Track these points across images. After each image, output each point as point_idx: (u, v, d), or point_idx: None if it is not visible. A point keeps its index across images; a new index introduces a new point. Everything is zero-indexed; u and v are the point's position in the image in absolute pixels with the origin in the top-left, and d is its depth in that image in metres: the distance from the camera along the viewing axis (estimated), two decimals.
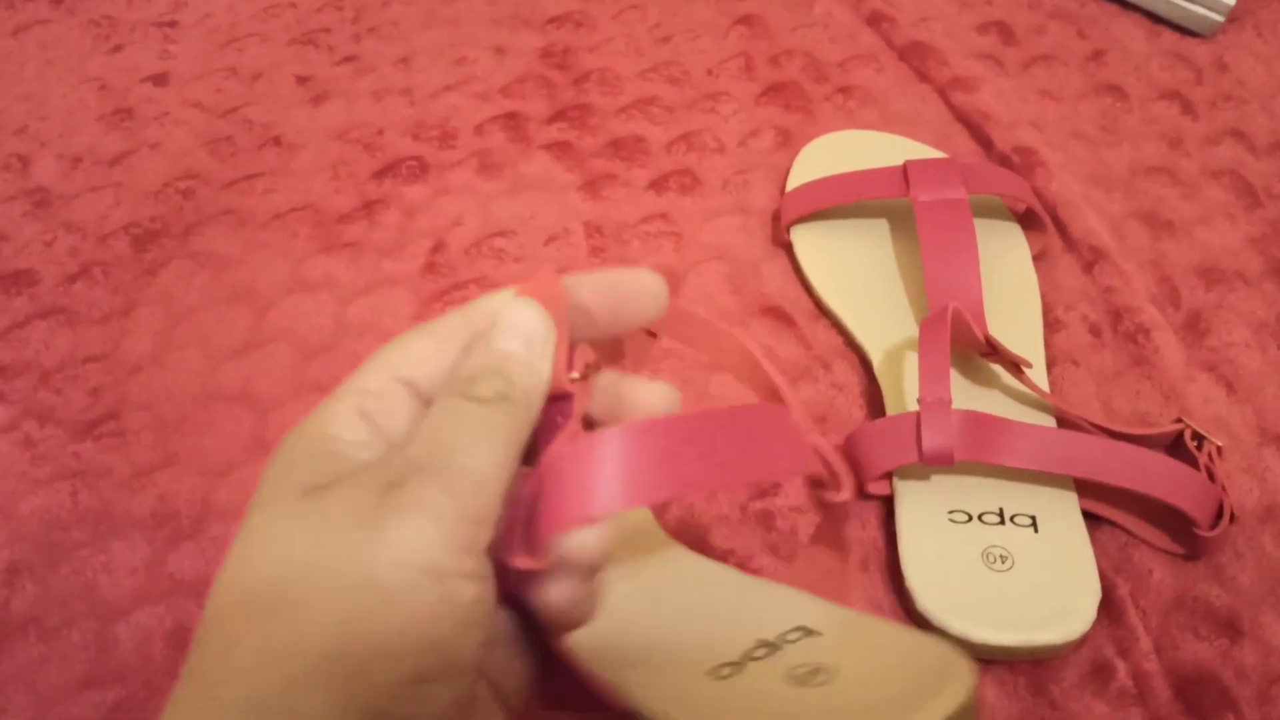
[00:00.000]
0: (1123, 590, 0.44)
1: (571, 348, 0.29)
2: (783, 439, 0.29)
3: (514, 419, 0.26)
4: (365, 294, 0.55)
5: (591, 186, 0.60)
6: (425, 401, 0.27)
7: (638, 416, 0.29)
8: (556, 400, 0.28)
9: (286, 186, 0.61)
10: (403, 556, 0.23)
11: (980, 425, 0.44)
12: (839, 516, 0.34)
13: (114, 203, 0.60)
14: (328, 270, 0.56)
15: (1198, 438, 0.46)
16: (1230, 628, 0.43)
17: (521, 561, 0.26)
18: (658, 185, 0.60)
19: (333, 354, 0.53)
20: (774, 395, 0.33)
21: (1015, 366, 0.47)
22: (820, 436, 0.31)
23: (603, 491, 0.25)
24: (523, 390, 0.27)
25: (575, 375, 0.29)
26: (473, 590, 0.24)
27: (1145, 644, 0.42)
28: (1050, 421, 0.48)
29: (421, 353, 0.28)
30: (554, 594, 0.26)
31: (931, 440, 0.44)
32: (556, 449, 0.27)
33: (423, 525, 0.24)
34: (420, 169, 0.61)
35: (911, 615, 0.43)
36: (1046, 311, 0.53)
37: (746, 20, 0.69)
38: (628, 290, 0.29)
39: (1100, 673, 0.42)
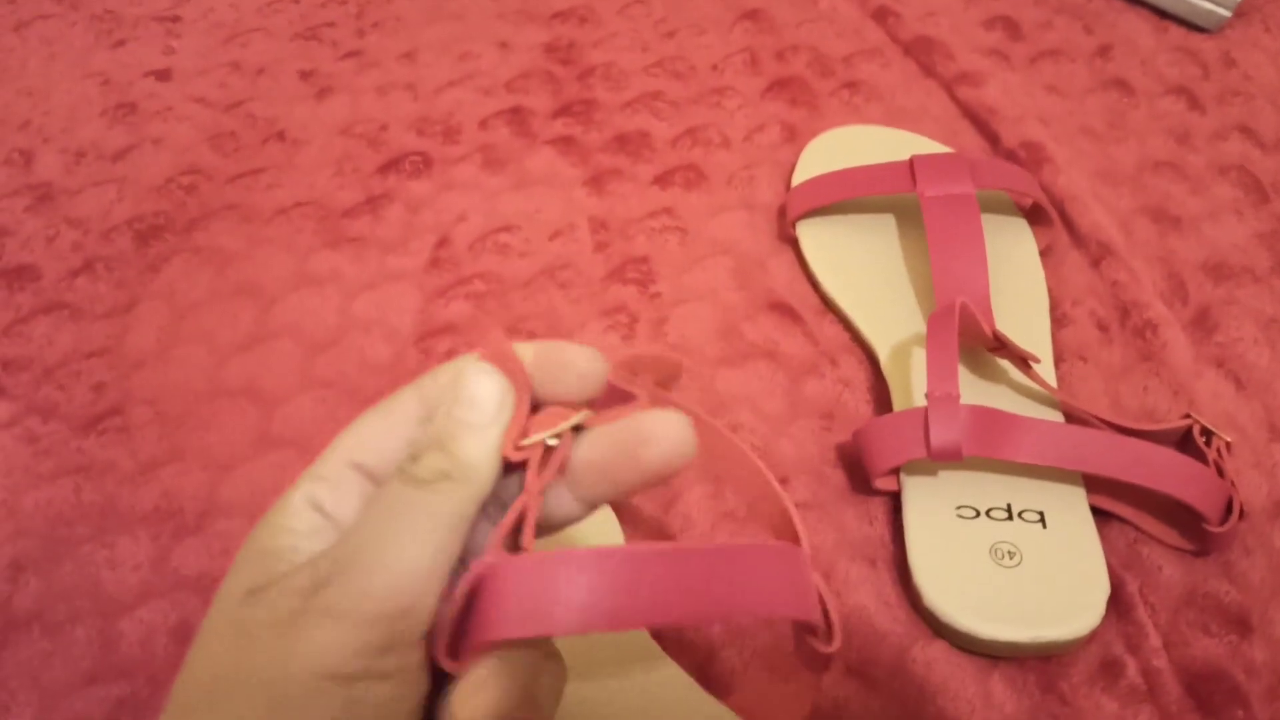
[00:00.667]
0: (1132, 586, 0.44)
1: (535, 408, 0.27)
2: (785, 579, 0.26)
3: (455, 500, 0.25)
4: (370, 289, 0.55)
5: (596, 182, 0.60)
6: (378, 484, 0.27)
7: (650, 453, 0.26)
8: (515, 470, 0.27)
9: (290, 181, 0.61)
10: (309, 663, 0.23)
11: (988, 420, 0.44)
12: (819, 665, 0.33)
13: (117, 198, 0.60)
14: (332, 265, 0.56)
15: (1206, 433, 0.46)
16: (1240, 624, 0.43)
17: (445, 663, 0.25)
18: (663, 180, 0.60)
19: (338, 349, 0.53)
20: (784, 517, 0.33)
21: (1023, 361, 0.47)
22: (820, 579, 0.29)
23: (543, 611, 0.23)
24: (468, 464, 0.26)
25: (545, 437, 0.26)
26: (387, 690, 0.24)
27: (1155, 640, 0.42)
28: (1058, 417, 0.47)
29: (373, 435, 0.27)
30: (463, 709, 0.25)
31: (940, 436, 0.43)
32: (492, 556, 0.25)
33: (332, 631, 0.23)
34: (424, 164, 0.61)
35: (919, 611, 0.43)
36: (1054, 307, 0.53)
37: (752, 15, 0.69)
38: (559, 362, 0.28)
39: (1110, 669, 0.41)
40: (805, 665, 0.34)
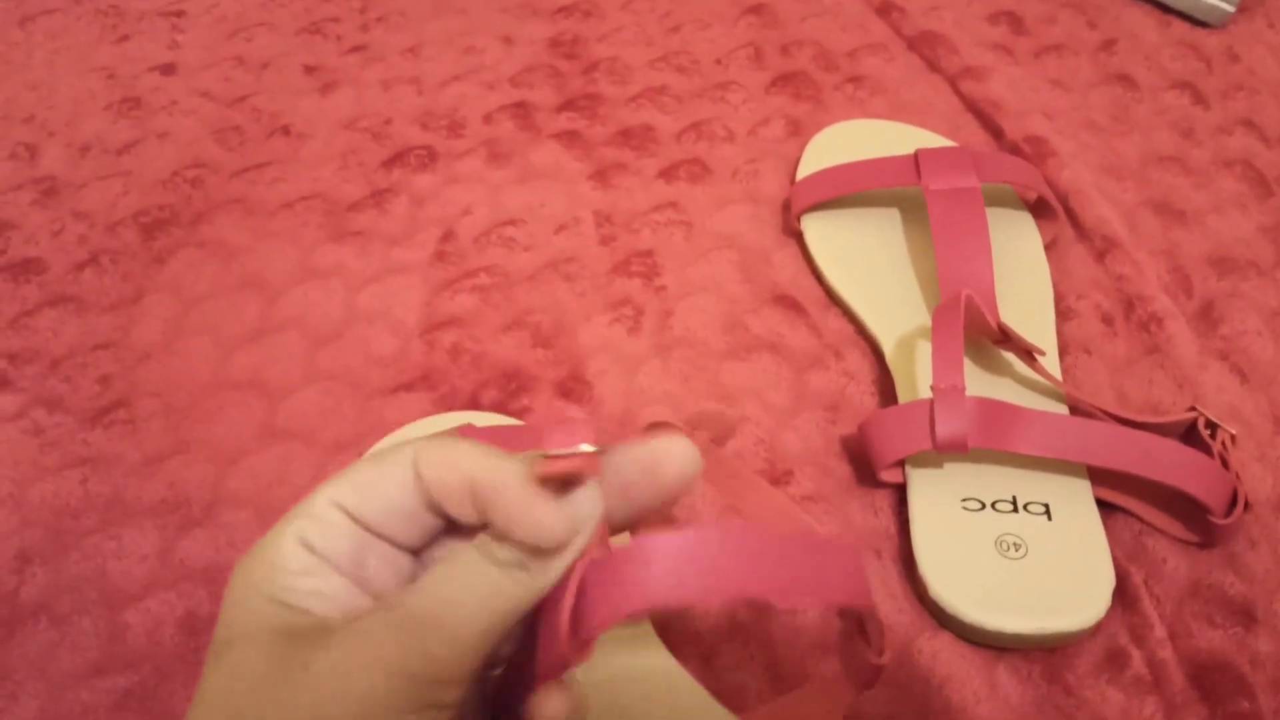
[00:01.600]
0: (1137, 578, 0.44)
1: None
2: (848, 571, 0.28)
3: (525, 589, 0.26)
4: (375, 282, 0.55)
5: (601, 175, 0.60)
6: (363, 527, 0.27)
7: (668, 473, 0.28)
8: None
9: (295, 175, 0.61)
10: (354, 709, 0.24)
11: (994, 412, 0.44)
12: (866, 680, 0.35)
13: (122, 191, 0.60)
14: (337, 259, 0.56)
15: (1211, 426, 0.46)
16: (1245, 615, 0.43)
17: (566, 649, 0.26)
18: (668, 174, 0.60)
19: (342, 342, 0.53)
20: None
21: (1028, 354, 0.47)
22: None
23: (657, 585, 0.25)
24: (543, 573, 0.26)
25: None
26: None
27: (1160, 631, 0.42)
28: (1063, 410, 0.47)
29: (362, 483, 0.27)
30: (550, 708, 0.27)
31: (945, 427, 0.43)
32: (599, 550, 0.27)
33: (383, 682, 0.24)
34: (429, 158, 0.61)
35: (925, 603, 0.43)
36: (1058, 300, 0.53)
37: (756, 9, 0.69)
38: (655, 460, 0.28)
39: (1115, 660, 0.42)
40: (851, 677, 0.36)
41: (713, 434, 0.37)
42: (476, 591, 0.26)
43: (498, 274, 0.55)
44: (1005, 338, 0.47)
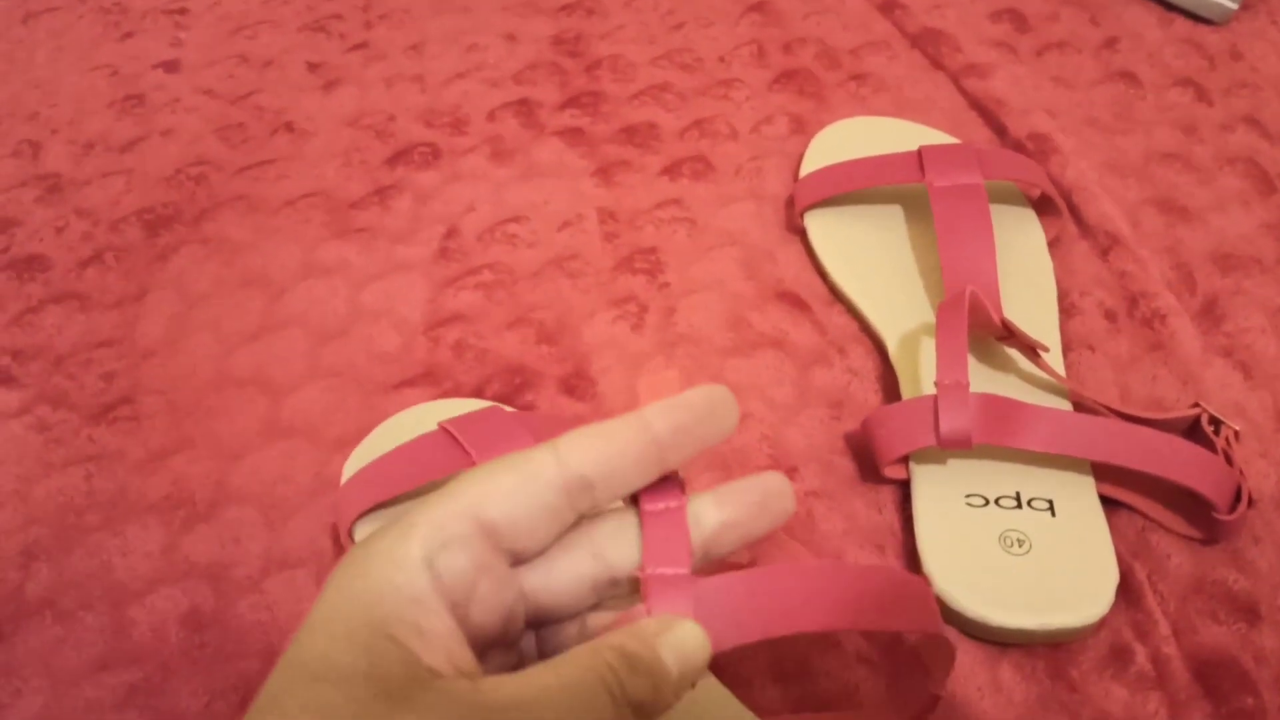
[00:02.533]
0: (1141, 574, 0.44)
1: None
2: (921, 599, 0.32)
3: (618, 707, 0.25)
4: (378, 279, 0.55)
5: (604, 173, 0.60)
6: (499, 550, 0.26)
7: (781, 505, 0.30)
8: None
9: (298, 172, 0.61)
10: None
11: (998, 409, 0.44)
12: (920, 711, 0.37)
13: (125, 189, 0.60)
14: (341, 256, 0.56)
15: (1215, 422, 0.46)
16: (1249, 612, 0.43)
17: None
18: (671, 171, 0.60)
19: (346, 338, 0.53)
20: None
21: (1032, 350, 0.47)
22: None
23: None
24: (648, 703, 0.26)
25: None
26: None
27: (1164, 628, 0.42)
28: (1066, 406, 0.47)
29: (504, 492, 0.26)
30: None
31: (949, 423, 0.43)
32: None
33: None
34: (432, 155, 0.61)
35: None
36: (1062, 297, 0.53)
37: (759, 8, 0.69)
38: (754, 501, 0.30)
39: (1119, 656, 0.42)
40: (901, 708, 0.37)
41: None
42: (585, 699, 0.24)
43: (501, 271, 0.55)
44: (1009, 334, 0.47)
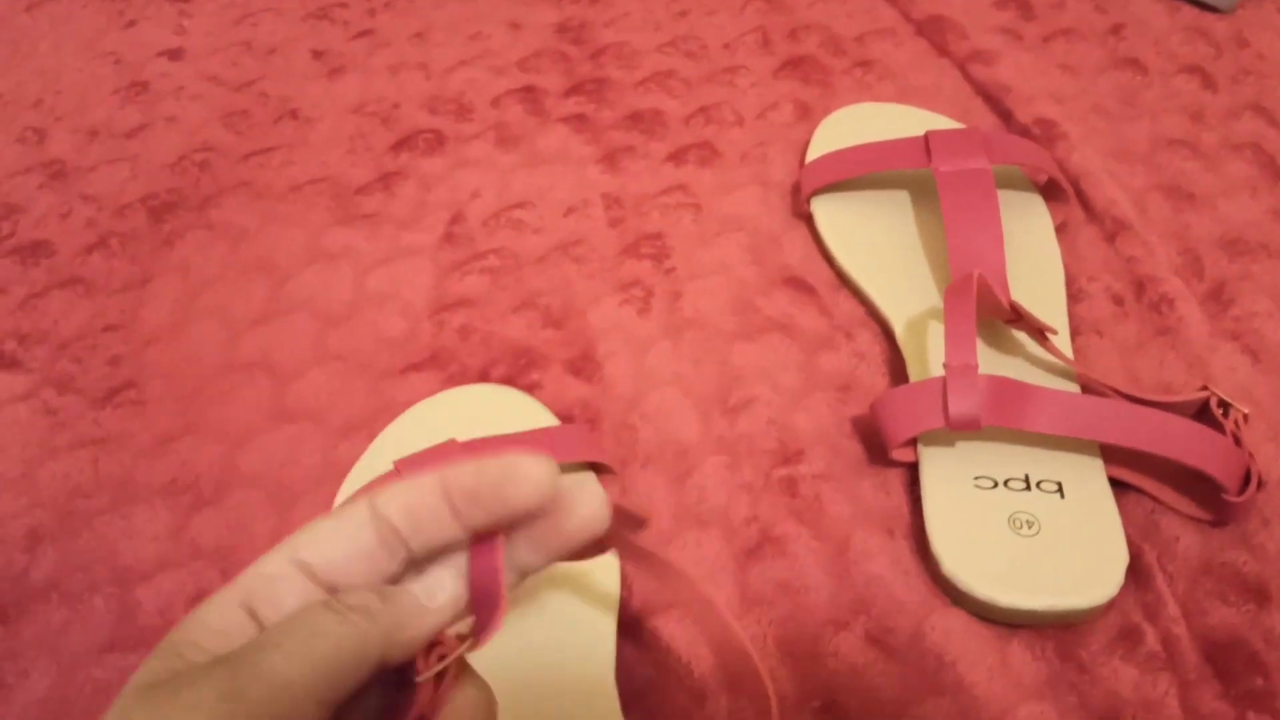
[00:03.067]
0: (1150, 556, 0.43)
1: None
2: None
3: (360, 635, 0.25)
4: (384, 264, 0.55)
5: (610, 159, 0.60)
6: (321, 586, 0.27)
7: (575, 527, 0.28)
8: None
9: (303, 159, 0.61)
10: None
11: (1007, 391, 0.44)
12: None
13: (130, 175, 0.60)
14: (346, 241, 0.56)
15: (1223, 405, 0.46)
16: (1258, 593, 0.42)
17: None
18: (676, 158, 0.60)
19: (352, 323, 0.53)
20: (743, 656, 0.33)
21: (1040, 333, 0.47)
22: None
23: None
24: (391, 620, 0.26)
25: (447, 663, 0.27)
26: None
27: (1173, 609, 0.42)
28: (1074, 390, 0.47)
29: (322, 537, 0.27)
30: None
31: (958, 405, 0.43)
32: None
33: None
34: (437, 142, 0.61)
35: (937, 581, 0.43)
36: (1069, 282, 0.53)
37: None
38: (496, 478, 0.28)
39: (1128, 637, 0.41)
40: None
41: (628, 528, 0.38)
42: (304, 636, 0.25)
43: (507, 256, 0.55)
44: (1017, 317, 0.47)
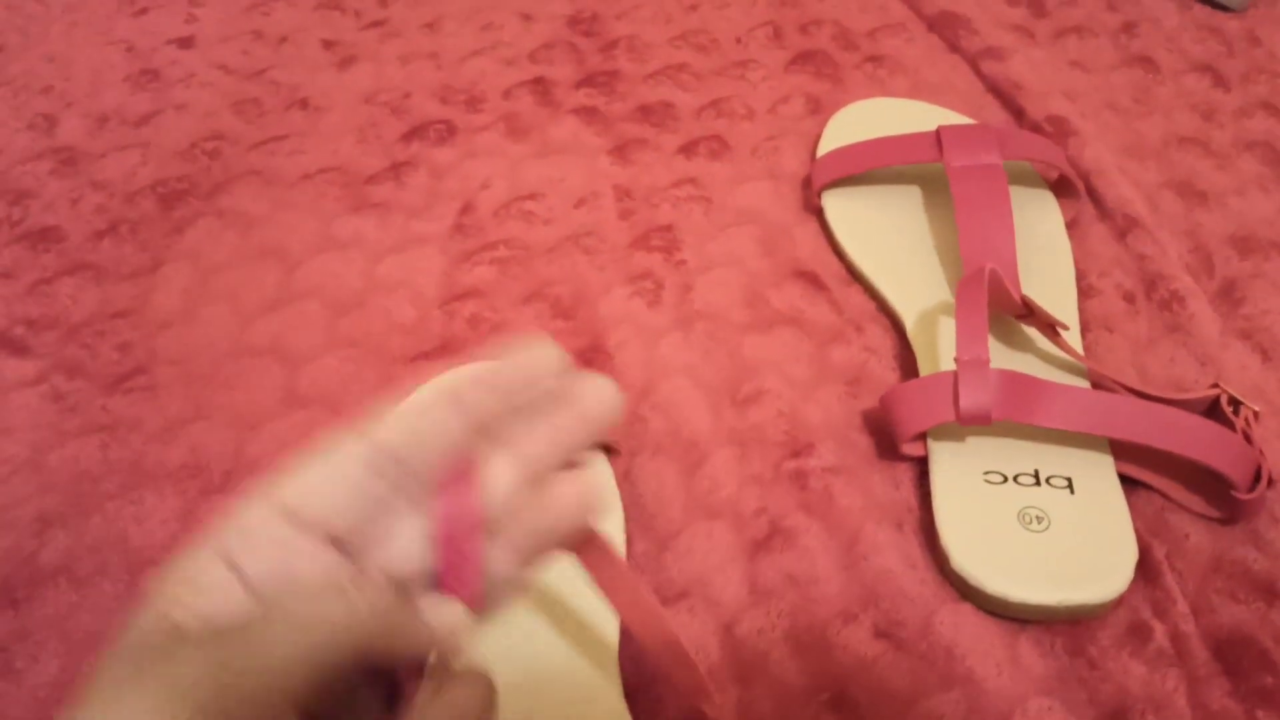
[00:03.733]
0: (1159, 553, 0.43)
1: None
2: None
3: (343, 611, 0.25)
4: (394, 253, 0.55)
5: (621, 151, 0.60)
6: (310, 531, 0.26)
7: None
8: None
9: (314, 148, 0.61)
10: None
11: (1018, 385, 0.44)
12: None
13: (141, 162, 0.60)
14: (357, 230, 0.56)
15: (1234, 403, 0.46)
16: (1268, 591, 0.42)
17: None
18: (687, 150, 0.60)
19: (362, 310, 0.53)
20: (672, 646, 0.33)
21: (1051, 329, 0.47)
22: None
23: None
24: (391, 619, 0.26)
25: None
26: None
27: (1182, 606, 0.42)
28: (1085, 386, 0.47)
29: (305, 478, 0.27)
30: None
31: (969, 399, 0.43)
32: None
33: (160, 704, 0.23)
34: (448, 132, 0.61)
35: (946, 575, 0.43)
36: (1080, 278, 0.53)
37: None
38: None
39: (1137, 633, 0.41)
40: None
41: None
42: (286, 608, 0.24)
43: (517, 246, 0.55)
44: (1028, 312, 0.47)
